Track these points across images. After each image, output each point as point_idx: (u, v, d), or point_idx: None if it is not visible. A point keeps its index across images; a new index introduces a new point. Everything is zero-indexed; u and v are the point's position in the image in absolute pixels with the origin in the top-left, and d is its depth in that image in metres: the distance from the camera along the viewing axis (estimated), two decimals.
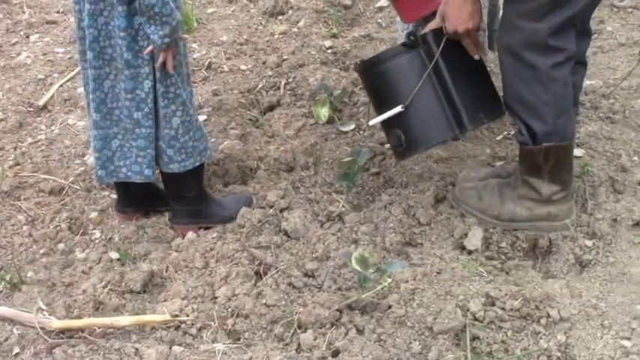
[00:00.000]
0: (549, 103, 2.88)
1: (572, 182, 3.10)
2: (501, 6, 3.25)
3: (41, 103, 4.27)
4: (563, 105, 2.91)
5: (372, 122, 3.10)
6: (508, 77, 2.94)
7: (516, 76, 2.89)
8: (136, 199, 3.35)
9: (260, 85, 4.32)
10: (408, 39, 2.97)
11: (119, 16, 2.85)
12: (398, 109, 2.95)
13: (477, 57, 2.99)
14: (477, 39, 2.95)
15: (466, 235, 3.05)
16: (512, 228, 3.08)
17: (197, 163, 3.17)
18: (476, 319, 2.62)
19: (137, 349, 2.59)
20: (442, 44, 2.91)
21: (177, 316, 2.73)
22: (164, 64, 2.91)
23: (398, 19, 3.73)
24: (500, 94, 3.05)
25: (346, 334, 2.60)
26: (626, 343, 2.53)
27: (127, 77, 2.95)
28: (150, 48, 2.90)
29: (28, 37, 5.03)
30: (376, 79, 3.06)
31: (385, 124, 3.08)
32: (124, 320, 2.72)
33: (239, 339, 2.68)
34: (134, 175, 3.13)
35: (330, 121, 3.93)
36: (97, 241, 3.31)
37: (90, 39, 2.92)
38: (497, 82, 3.12)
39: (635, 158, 3.44)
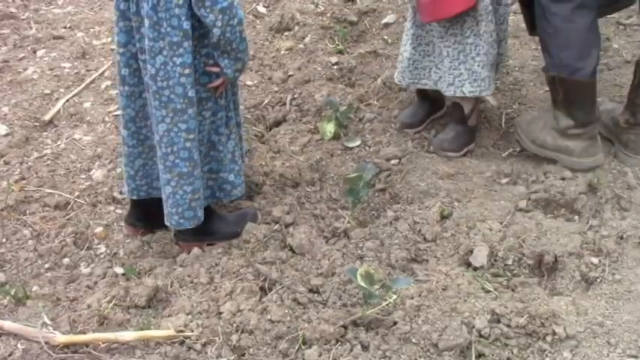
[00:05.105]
0: (551, 36, 3.24)
1: (592, 124, 3.38)
2: None
3: (47, 117, 4.28)
4: (564, 39, 3.20)
5: None
6: (536, 15, 3.33)
7: (538, 14, 3.28)
8: (149, 214, 3.33)
9: (266, 101, 4.33)
10: None
11: (185, 53, 2.78)
12: None
13: None
14: None
15: (472, 251, 3.04)
16: (542, 154, 3.46)
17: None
18: (481, 336, 2.61)
19: None
20: None
21: (181, 331, 2.73)
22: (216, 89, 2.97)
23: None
24: None
25: (351, 350, 2.59)
26: None
27: (191, 117, 2.89)
28: (219, 81, 2.93)
29: (35, 52, 5.04)
30: None
31: None
32: (129, 335, 2.71)
33: (243, 355, 2.67)
34: (187, 223, 3.10)
35: (335, 137, 3.93)
36: (102, 255, 3.31)
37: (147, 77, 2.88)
38: None
39: None
